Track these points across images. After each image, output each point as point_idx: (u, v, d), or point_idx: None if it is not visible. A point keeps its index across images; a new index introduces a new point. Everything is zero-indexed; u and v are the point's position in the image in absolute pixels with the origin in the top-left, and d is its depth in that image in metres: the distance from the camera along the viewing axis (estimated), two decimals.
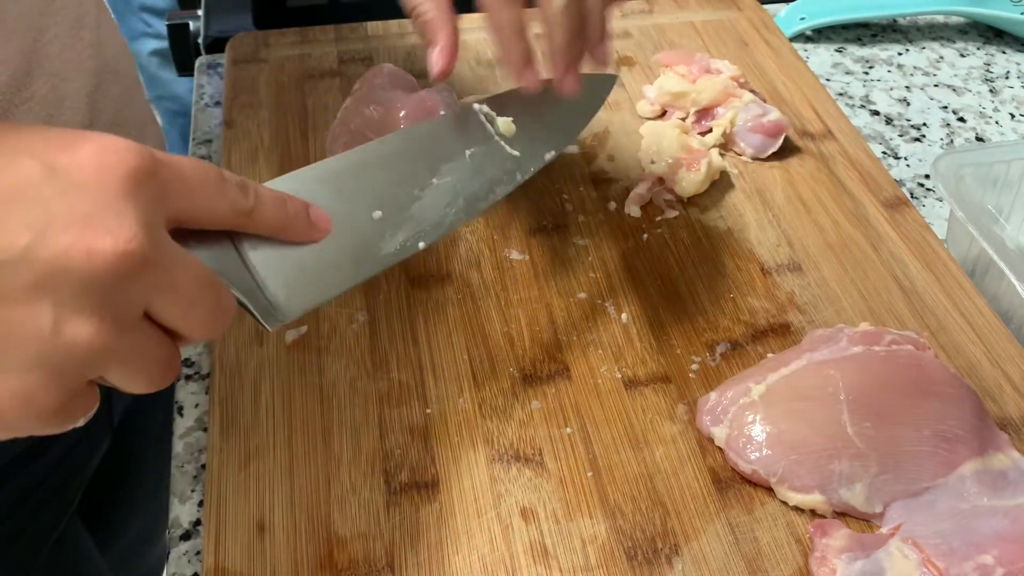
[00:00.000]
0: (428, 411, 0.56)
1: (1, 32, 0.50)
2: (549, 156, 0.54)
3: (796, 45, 0.92)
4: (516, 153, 0.53)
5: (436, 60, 0.53)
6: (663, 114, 0.77)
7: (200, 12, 0.94)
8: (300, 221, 0.42)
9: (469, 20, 0.86)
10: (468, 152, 0.52)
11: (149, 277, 0.34)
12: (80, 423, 0.35)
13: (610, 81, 0.61)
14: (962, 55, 0.94)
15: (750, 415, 0.54)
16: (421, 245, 0.47)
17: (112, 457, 0.74)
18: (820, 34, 0.96)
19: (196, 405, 0.60)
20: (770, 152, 0.74)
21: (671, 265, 0.66)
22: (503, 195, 0.52)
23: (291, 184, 0.44)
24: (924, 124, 0.85)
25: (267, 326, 0.42)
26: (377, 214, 0.46)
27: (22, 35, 0.52)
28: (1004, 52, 0.94)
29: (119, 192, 0.33)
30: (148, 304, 0.35)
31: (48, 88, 0.53)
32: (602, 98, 0.60)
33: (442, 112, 0.63)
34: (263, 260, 0.42)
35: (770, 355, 0.59)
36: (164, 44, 1.92)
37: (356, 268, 0.45)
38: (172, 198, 0.36)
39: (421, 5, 0.53)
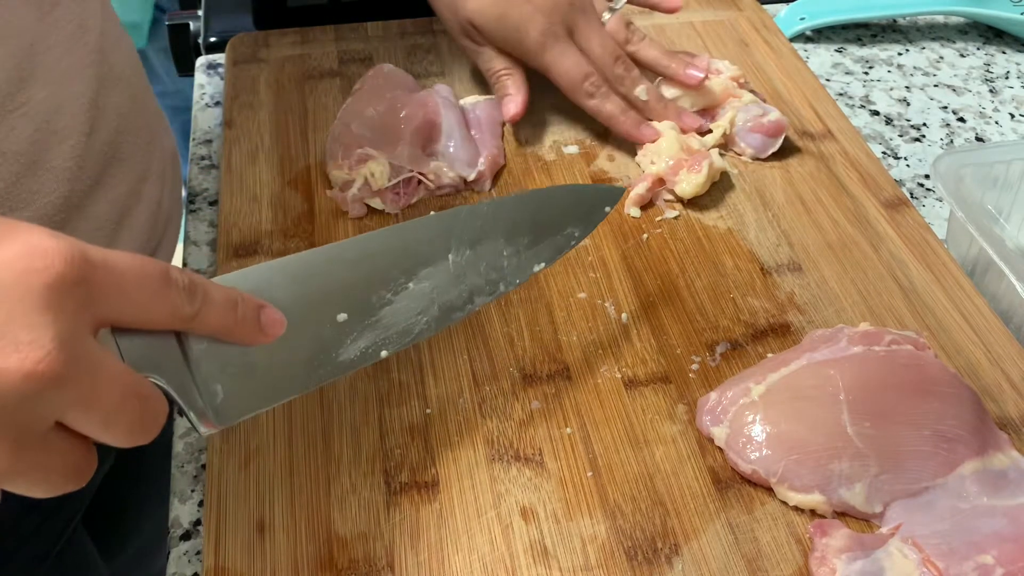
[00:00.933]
0: (428, 411, 0.56)
1: None
2: (538, 268, 0.52)
3: (796, 45, 0.92)
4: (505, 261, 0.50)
5: (509, 108, 0.74)
6: None
7: (200, 12, 0.94)
8: (248, 325, 0.39)
9: None
10: (451, 257, 0.48)
11: (61, 394, 0.32)
12: None
13: (616, 193, 0.58)
14: (962, 55, 0.94)
15: (750, 415, 0.54)
16: (383, 354, 0.45)
17: (117, 469, 0.74)
18: (820, 34, 0.96)
19: None
20: (770, 152, 0.74)
21: (671, 265, 0.66)
22: (480, 306, 0.49)
23: (258, 276, 0.42)
24: (924, 124, 0.85)
25: (199, 430, 0.39)
26: (342, 317, 0.43)
27: (16, 41, 0.51)
28: (1004, 52, 0.94)
29: (39, 302, 0.31)
30: (60, 418, 0.33)
31: (46, 94, 0.53)
32: (605, 211, 0.56)
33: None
34: (206, 356, 0.38)
35: (770, 355, 0.59)
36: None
37: (308, 374, 0.42)
38: (102, 303, 0.33)
39: (501, 72, 0.74)
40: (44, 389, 0.31)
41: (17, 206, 0.52)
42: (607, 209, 0.56)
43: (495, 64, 0.75)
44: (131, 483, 0.78)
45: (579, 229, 0.54)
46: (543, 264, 0.52)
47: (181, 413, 0.38)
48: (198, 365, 0.38)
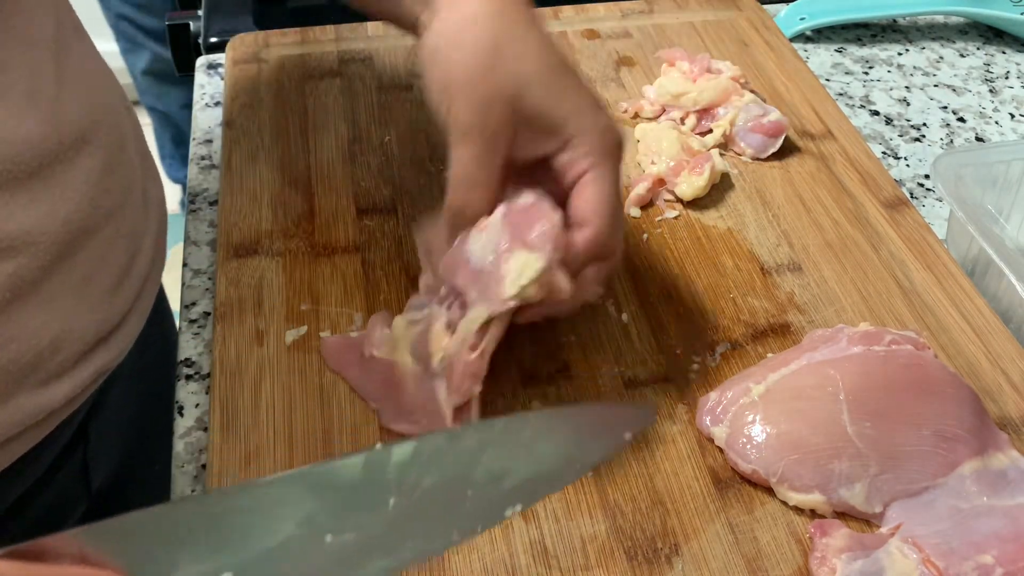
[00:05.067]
0: None
1: None
2: (511, 512, 0.38)
3: (796, 45, 0.92)
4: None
5: None
6: (661, 114, 0.77)
7: (200, 12, 0.94)
8: None
9: None
10: (392, 500, 0.36)
11: None
12: None
13: (646, 415, 0.48)
14: (962, 55, 0.94)
15: (750, 415, 0.54)
16: None
17: (118, 474, 0.71)
18: (820, 34, 0.96)
19: (196, 405, 0.60)
20: (770, 152, 0.74)
21: (671, 265, 0.66)
22: (421, 561, 0.38)
23: (136, 525, 0.33)
24: (924, 124, 0.85)
25: None
26: None
27: None
28: (1004, 52, 0.94)
29: None
30: None
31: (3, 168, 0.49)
32: (624, 438, 0.41)
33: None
34: None
35: (770, 355, 0.60)
36: (162, 61, 1.99)
37: None
38: None
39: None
40: None
41: None
42: (627, 436, 0.42)
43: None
44: (134, 486, 0.78)
45: (579, 465, 0.40)
46: (519, 506, 0.38)
47: None
48: None
